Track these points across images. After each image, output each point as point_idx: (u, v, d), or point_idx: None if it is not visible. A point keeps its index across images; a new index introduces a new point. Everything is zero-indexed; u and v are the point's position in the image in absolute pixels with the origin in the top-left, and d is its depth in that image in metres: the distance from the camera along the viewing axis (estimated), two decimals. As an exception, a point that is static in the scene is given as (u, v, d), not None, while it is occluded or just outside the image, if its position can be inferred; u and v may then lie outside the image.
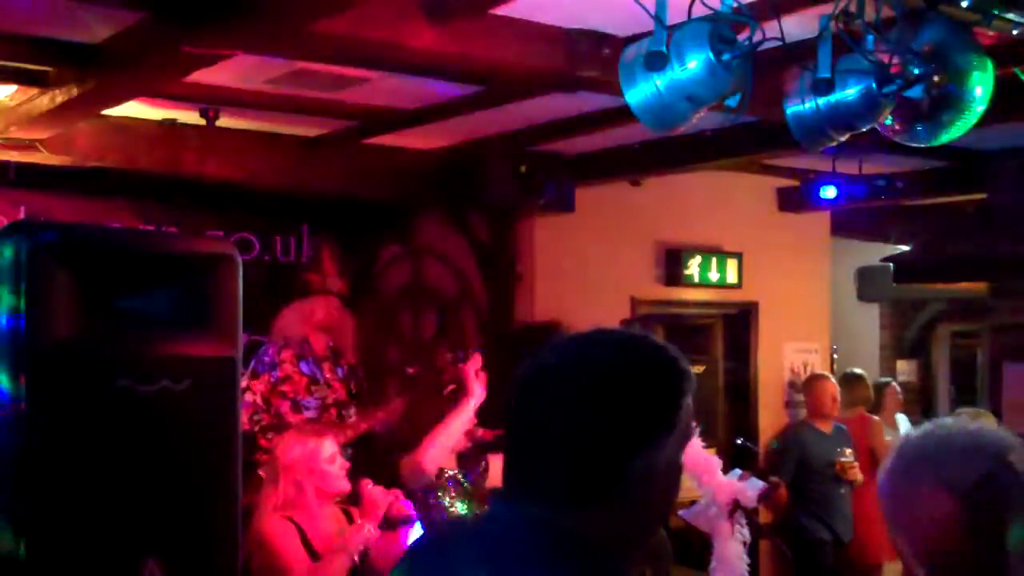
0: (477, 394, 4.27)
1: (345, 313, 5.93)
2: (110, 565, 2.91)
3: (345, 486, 3.84)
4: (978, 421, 1.92)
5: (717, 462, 5.01)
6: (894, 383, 7.86)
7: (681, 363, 1.45)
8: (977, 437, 1.73)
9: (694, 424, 1.46)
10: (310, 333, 5.69)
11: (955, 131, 3.35)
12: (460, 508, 4.41)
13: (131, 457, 2.96)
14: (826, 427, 6.52)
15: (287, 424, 5.25)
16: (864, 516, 6.60)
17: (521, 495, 1.42)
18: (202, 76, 4.44)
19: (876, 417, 7.12)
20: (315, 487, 3.72)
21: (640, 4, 2.93)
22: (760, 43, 2.93)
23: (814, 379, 6.87)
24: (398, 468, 4.32)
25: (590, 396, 1.38)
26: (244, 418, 5.30)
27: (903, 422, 7.44)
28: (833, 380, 6.78)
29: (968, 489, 1.63)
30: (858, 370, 7.44)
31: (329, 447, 3.81)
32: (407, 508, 3.95)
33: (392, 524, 3.77)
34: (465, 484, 4.51)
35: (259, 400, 5.43)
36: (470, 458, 4.61)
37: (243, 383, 5.33)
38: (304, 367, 5.63)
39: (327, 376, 5.63)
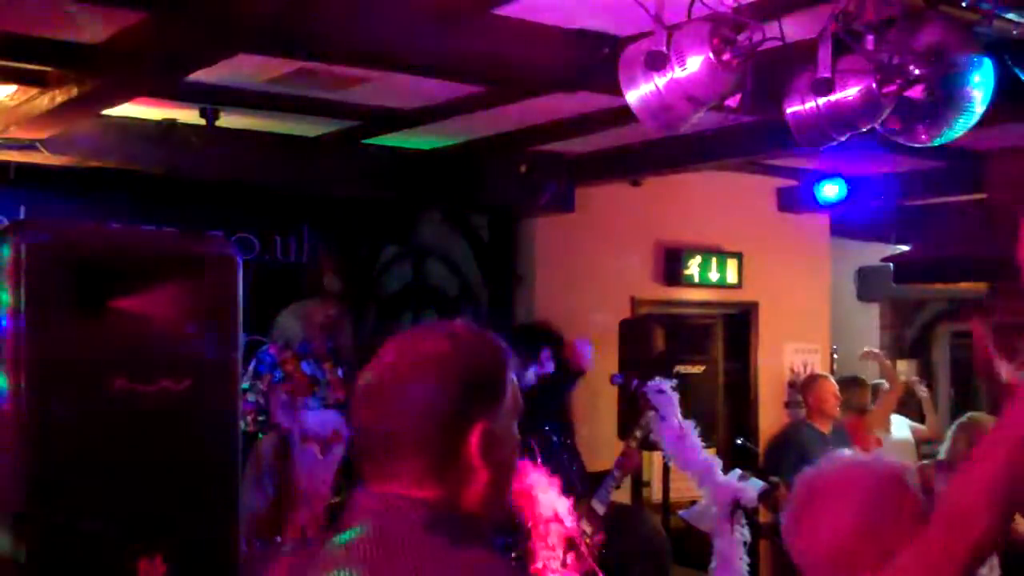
0: None
1: (344, 313, 5.92)
2: (110, 565, 2.91)
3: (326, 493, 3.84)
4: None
5: (717, 462, 5.02)
6: (887, 386, 7.84)
7: (501, 343, 1.63)
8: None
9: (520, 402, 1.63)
10: (310, 334, 5.68)
11: (955, 131, 3.35)
12: None
13: (131, 457, 2.96)
14: (825, 427, 6.51)
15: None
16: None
17: (381, 481, 1.55)
18: (202, 76, 4.44)
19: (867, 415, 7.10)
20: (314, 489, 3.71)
21: (640, 4, 2.93)
22: (760, 43, 2.93)
23: (815, 379, 6.87)
24: None
25: (421, 383, 1.54)
26: (247, 419, 5.31)
27: (900, 423, 7.43)
28: (832, 380, 6.77)
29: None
30: (855, 375, 7.43)
31: (336, 450, 3.81)
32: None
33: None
34: None
35: (261, 400, 5.43)
36: None
37: (245, 384, 5.34)
38: (305, 367, 5.62)
39: (328, 376, 5.62)
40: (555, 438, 5.25)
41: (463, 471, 1.54)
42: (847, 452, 2.10)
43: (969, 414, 5.68)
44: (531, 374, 5.08)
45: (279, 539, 3.61)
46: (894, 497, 1.89)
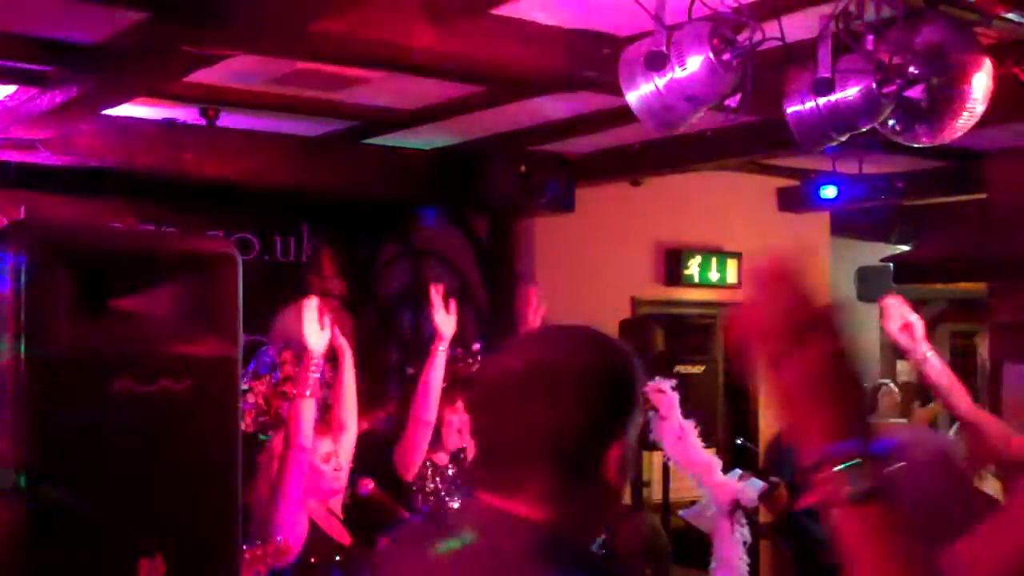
0: (446, 334, 4.29)
1: (343, 314, 5.92)
2: (110, 565, 2.91)
3: (338, 486, 3.81)
4: None
5: (717, 462, 5.02)
6: (890, 384, 7.84)
7: (632, 354, 1.54)
8: None
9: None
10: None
11: (955, 131, 3.35)
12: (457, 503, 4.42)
13: (131, 457, 2.96)
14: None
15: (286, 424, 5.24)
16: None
17: (497, 493, 1.44)
18: (202, 76, 4.44)
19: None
20: (309, 486, 3.67)
21: (640, 4, 2.93)
22: (760, 43, 2.93)
23: None
24: (392, 463, 4.33)
25: (563, 395, 1.42)
26: (247, 420, 5.30)
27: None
28: None
29: None
30: None
31: (326, 446, 3.79)
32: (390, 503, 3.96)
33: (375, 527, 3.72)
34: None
35: (260, 401, 5.43)
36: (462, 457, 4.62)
37: (244, 384, 5.33)
38: (305, 367, 5.62)
39: (328, 377, 5.62)
40: None
41: (593, 491, 1.44)
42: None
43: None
44: None
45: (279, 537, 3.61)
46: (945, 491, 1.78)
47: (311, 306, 3.79)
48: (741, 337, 1.24)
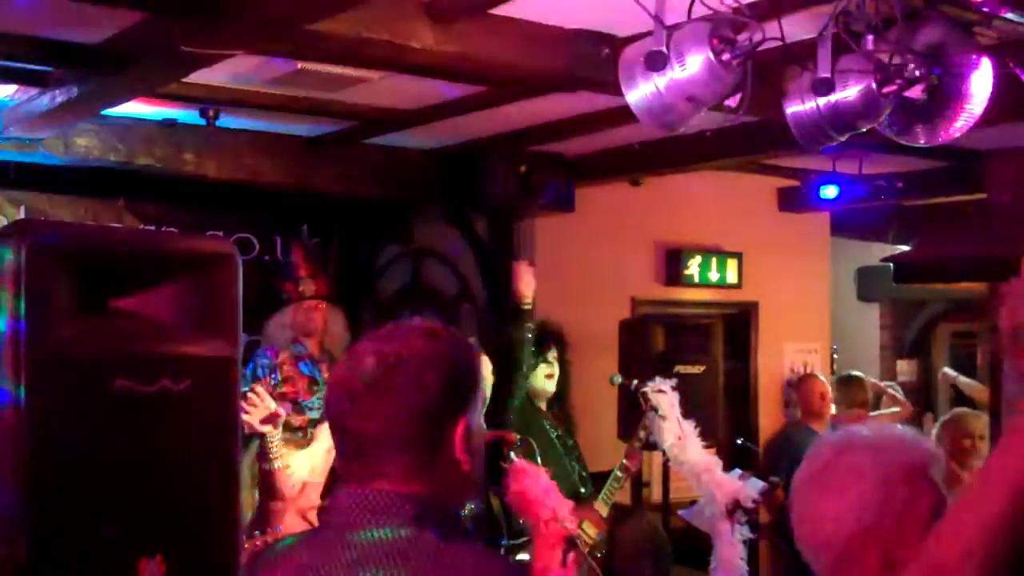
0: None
1: (333, 312, 5.88)
2: (110, 565, 2.91)
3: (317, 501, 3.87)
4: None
5: (717, 462, 5.01)
6: (893, 385, 7.84)
7: (470, 342, 1.72)
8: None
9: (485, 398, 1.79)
10: (295, 337, 5.68)
11: (955, 131, 3.35)
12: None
13: (131, 457, 2.96)
14: (821, 428, 6.51)
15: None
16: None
17: (366, 480, 1.61)
18: (202, 76, 4.44)
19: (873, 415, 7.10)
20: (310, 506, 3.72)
21: (640, 4, 2.93)
22: (760, 43, 2.93)
23: (803, 379, 6.87)
24: None
25: (406, 384, 1.59)
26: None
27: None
28: (822, 379, 6.76)
29: None
30: (855, 372, 7.43)
31: (312, 498, 3.83)
32: None
33: None
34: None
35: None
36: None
37: (244, 387, 5.33)
38: (304, 368, 5.63)
39: (325, 376, 5.62)
40: (554, 436, 5.25)
41: (445, 467, 1.62)
42: (864, 430, 1.90)
43: (954, 410, 5.67)
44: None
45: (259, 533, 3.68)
46: (903, 495, 1.72)
47: (262, 405, 4.01)
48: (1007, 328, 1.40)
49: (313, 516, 3.94)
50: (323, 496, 4.04)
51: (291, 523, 3.77)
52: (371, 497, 1.59)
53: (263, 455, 3.92)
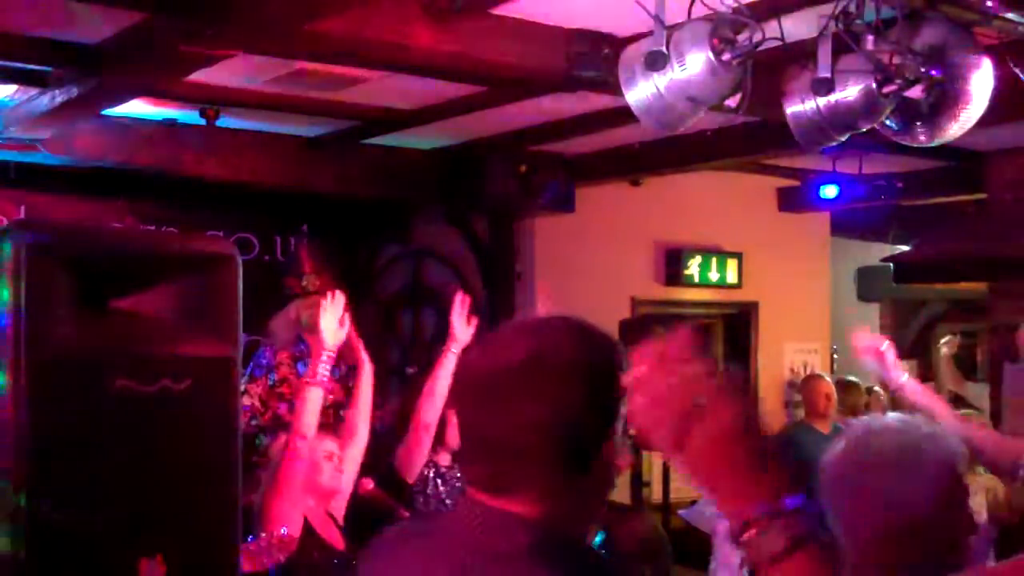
0: (461, 336, 4.23)
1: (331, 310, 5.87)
2: (110, 565, 2.91)
3: (338, 486, 3.78)
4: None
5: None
6: (877, 390, 7.82)
7: (619, 345, 1.48)
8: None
9: None
10: (297, 335, 5.68)
11: (955, 131, 3.35)
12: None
13: (131, 457, 2.96)
14: (824, 427, 6.51)
15: (285, 425, 5.23)
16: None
17: (490, 490, 1.42)
18: (202, 76, 4.44)
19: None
20: (307, 481, 3.64)
21: (640, 4, 2.93)
22: (760, 43, 2.93)
23: (808, 379, 6.88)
24: (395, 465, 4.32)
25: (557, 388, 1.38)
26: (243, 420, 5.30)
27: None
28: (828, 379, 6.77)
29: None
30: (852, 377, 7.43)
31: (330, 444, 3.78)
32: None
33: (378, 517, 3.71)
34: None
35: (256, 403, 5.42)
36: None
37: (241, 386, 5.32)
38: (302, 368, 5.62)
39: (342, 375, 5.61)
40: None
41: (587, 485, 1.41)
42: (902, 417, 1.92)
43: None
44: None
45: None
46: (963, 484, 1.80)
47: (335, 304, 3.84)
48: (643, 431, 1.23)
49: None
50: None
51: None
52: (489, 518, 1.40)
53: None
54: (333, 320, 3.82)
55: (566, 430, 1.37)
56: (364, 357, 4.17)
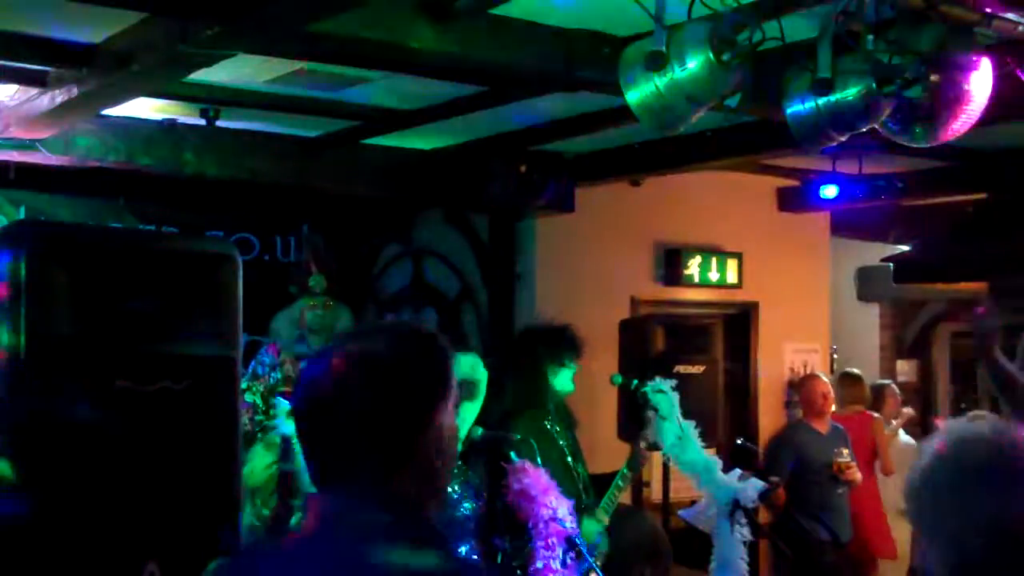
0: None
1: (339, 309, 5.88)
2: (110, 565, 2.91)
3: None
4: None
5: (717, 462, 5.01)
6: (893, 385, 7.84)
7: (443, 341, 1.68)
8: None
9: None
10: (305, 335, 5.69)
11: (955, 131, 3.35)
12: (465, 507, 4.41)
13: (131, 457, 2.96)
14: (823, 427, 6.51)
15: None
16: (862, 515, 6.60)
17: (334, 484, 1.58)
18: (202, 76, 4.44)
19: (877, 415, 7.10)
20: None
21: (640, 4, 2.93)
22: (760, 43, 2.93)
23: (805, 379, 6.88)
24: None
25: (376, 385, 1.58)
26: (245, 418, 5.30)
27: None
28: (824, 378, 6.77)
29: None
30: (855, 370, 7.43)
31: None
32: None
33: None
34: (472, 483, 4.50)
35: (258, 401, 5.43)
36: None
37: (243, 383, 5.33)
38: (305, 367, 5.63)
39: None
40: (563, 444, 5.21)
41: (415, 463, 1.58)
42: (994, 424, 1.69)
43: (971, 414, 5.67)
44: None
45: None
46: None
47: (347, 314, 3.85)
48: None
49: None
50: None
51: None
52: (343, 506, 1.57)
53: (285, 455, 3.83)
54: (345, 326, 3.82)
55: (384, 421, 1.56)
56: None
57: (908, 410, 7.58)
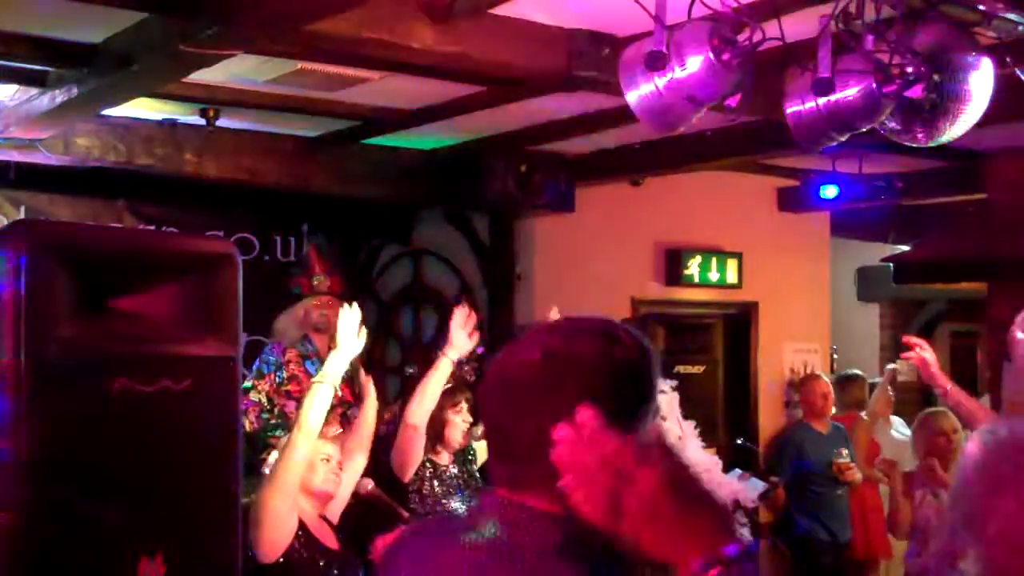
0: (458, 345, 4.22)
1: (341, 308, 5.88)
2: (110, 565, 2.91)
3: (331, 489, 3.74)
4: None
5: (717, 462, 5.02)
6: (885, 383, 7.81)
7: (649, 345, 1.51)
8: None
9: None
10: (309, 335, 5.68)
11: (955, 131, 3.35)
12: (456, 503, 4.41)
13: (131, 457, 2.96)
14: (823, 427, 6.52)
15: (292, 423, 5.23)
16: (861, 515, 6.60)
17: (516, 488, 1.45)
18: (202, 76, 4.44)
19: (863, 413, 7.07)
20: (303, 481, 3.61)
21: (640, 4, 2.93)
22: (760, 43, 2.93)
23: (806, 379, 6.89)
24: (389, 463, 4.33)
25: (580, 387, 1.40)
26: (251, 417, 5.30)
27: (900, 423, 7.42)
28: (825, 379, 6.77)
29: None
30: (854, 371, 7.43)
31: (327, 448, 3.76)
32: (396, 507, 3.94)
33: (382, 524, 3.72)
34: (461, 475, 4.50)
35: (263, 400, 5.43)
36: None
37: (248, 382, 5.33)
38: (310, 367, 5.62)
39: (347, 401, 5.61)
40: None
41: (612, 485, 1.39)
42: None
43: (926, 410, 5.64)
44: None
45: None
46: None
47: (354, 312, 3.85)
48: (582, 510, 1.27)
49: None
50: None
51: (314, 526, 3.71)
52: (515, 514, 1.42)
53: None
54: (350, 327, 3.83)
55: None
56: (371, 391, 4.17)
57: (892, 366, 7.45)
